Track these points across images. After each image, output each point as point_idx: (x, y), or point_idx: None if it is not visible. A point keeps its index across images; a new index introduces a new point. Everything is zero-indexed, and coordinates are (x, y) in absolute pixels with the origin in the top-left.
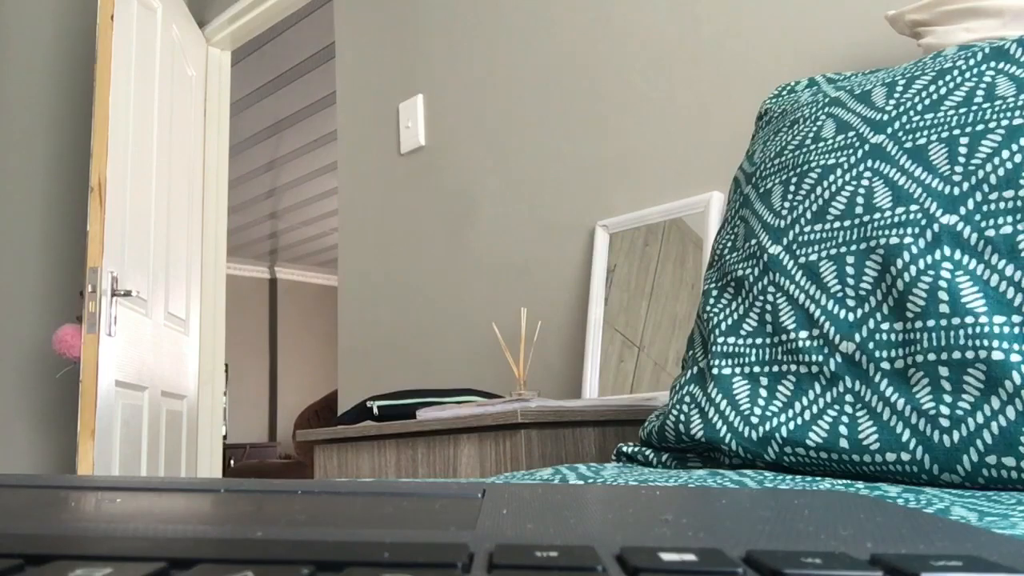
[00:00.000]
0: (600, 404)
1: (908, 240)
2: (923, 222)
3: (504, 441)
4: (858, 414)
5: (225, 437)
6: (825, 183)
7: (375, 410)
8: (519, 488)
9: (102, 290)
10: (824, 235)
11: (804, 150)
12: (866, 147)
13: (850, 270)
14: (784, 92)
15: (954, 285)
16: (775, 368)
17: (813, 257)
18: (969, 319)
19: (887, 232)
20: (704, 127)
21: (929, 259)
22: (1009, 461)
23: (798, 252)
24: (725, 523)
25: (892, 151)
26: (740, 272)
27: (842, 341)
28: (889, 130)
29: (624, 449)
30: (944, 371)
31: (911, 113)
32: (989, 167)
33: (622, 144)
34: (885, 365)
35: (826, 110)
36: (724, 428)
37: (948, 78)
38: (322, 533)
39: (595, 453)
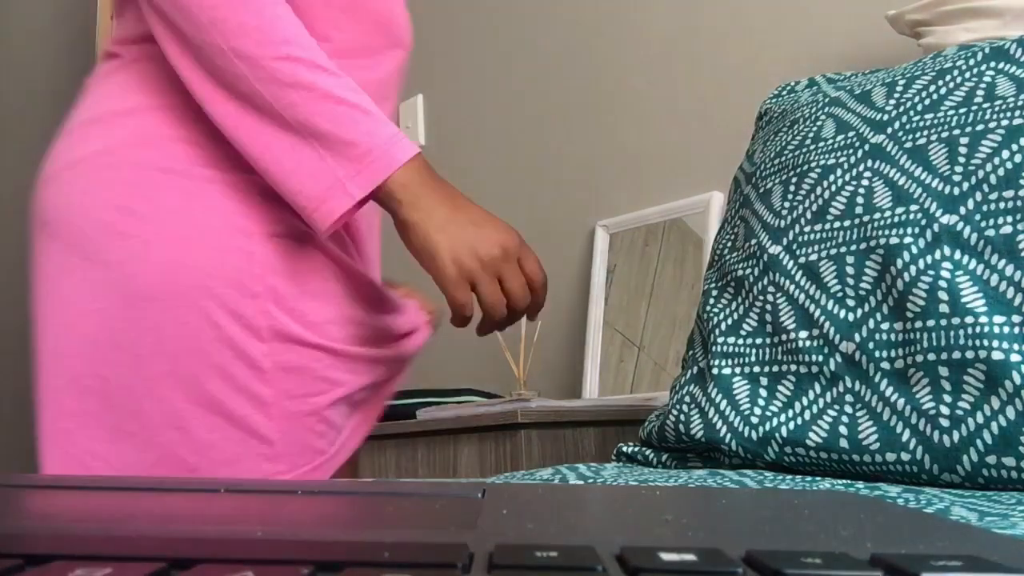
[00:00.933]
0: (600, 404)
1: (908, 240)
2: (923, 222)
3: (504, 441)
4: (858, 414)
5: None
6: (825, 183)
7: None
8: (519, 488)
9: None
10: (824, 235)
11: (804, 150)
12: (866, 147)
13: (850, 270)
14: (784, 92)
15: (954, 285)
16: (775, 368)
17: (813, 257)
18: (969, 319)
19: (887, 232)
20: (704, 127)
21: (929, 259)
22: (1009, 461)
23: (798, 252)
24: (725, 523)
25: (892, 151)
26: (740, 272)
27: (842, 341)
28: (889, 130)
29: (624, 449)
30: (944, 371)
31: (911, 113)
32: (989, 167)
33: (622, 144)
34: (885, 365)
35: (826, 110)
36: (724, 428)
37: (948, 78)
38: (322, 533)
39: (595, 453)
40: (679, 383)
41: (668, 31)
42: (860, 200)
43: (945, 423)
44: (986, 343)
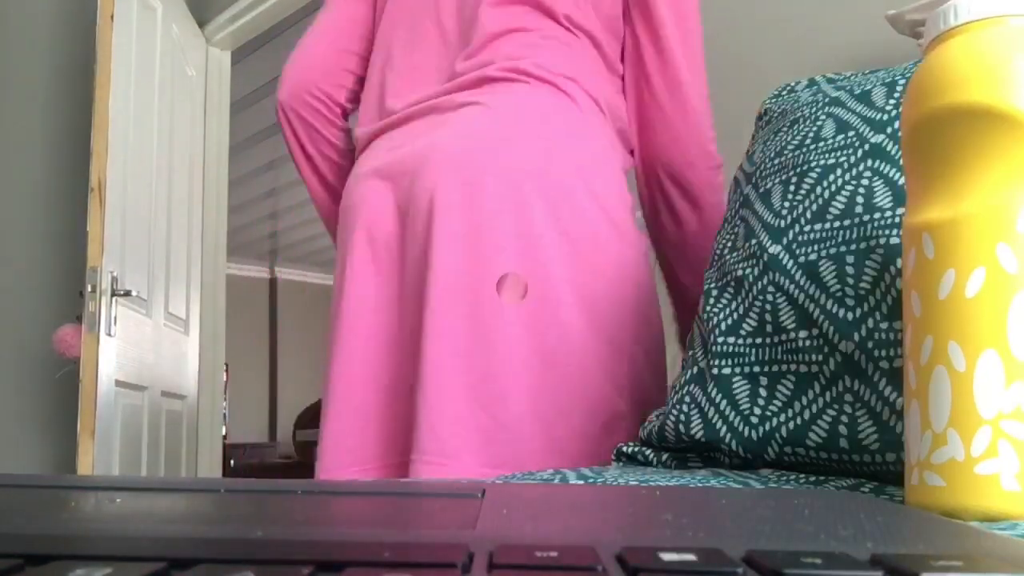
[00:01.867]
0: None
1: None
2: None
3: None
4: (857, 414)
5: (225, 437)
6: (825, 183)
7: None
8: (519, 488)
9: (102, 290)
10: (824, 234)
11: (804, 150)
12: (866, 147)
13: (850, 269)
14: (784, 92)
15: None
16: (775, 368)
17: (813, 256)
18: None
19: (887, 232)
20: None
21: None
22: None
23: (798, 252)
24: (725, 523)
25: (892, 151)
26: (740, 272)
27: (841, 340)
28: (889, 130)
29: (624, 449)
30: None
31: None
32: None
33: None
34: (884, 364)
35: (826, 110)
36: (724, 428)
37: None
38: (322, 533)
39: None
40: (679, 383)
41: None
42: (860, 200)
43: None
44: None
